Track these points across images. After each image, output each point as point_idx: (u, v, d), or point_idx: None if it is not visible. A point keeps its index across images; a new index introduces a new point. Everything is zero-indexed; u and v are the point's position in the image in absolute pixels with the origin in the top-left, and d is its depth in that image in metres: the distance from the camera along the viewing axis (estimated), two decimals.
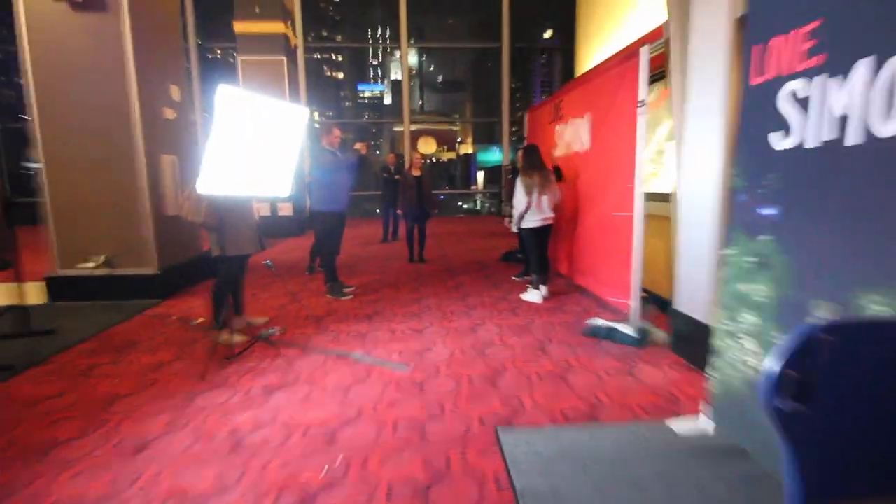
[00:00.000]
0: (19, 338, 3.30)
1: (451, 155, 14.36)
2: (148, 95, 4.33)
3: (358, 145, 4.46)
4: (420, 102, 13.64)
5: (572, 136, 4.54)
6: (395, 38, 11.93)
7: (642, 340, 3.07)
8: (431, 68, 14.09)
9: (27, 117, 4.23)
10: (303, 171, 6.16)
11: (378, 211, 9.70)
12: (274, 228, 8.45)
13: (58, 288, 4.23)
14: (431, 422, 2.16)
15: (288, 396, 2.43)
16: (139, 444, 2.00)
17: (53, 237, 4.26)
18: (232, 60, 12.00)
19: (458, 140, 14.22)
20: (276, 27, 8.57)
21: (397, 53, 13.29)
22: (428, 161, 6.97)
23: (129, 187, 4.25)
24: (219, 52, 12.14)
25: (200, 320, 3.71)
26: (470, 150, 14.12)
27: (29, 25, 4.09)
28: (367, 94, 15.78)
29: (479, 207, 14.04)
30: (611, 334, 3.15)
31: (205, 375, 2.68)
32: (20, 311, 3.43)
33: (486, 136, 13.82)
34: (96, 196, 4.23)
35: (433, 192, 6.46)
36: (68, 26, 4.09)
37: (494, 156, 13.62)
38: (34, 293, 4.09)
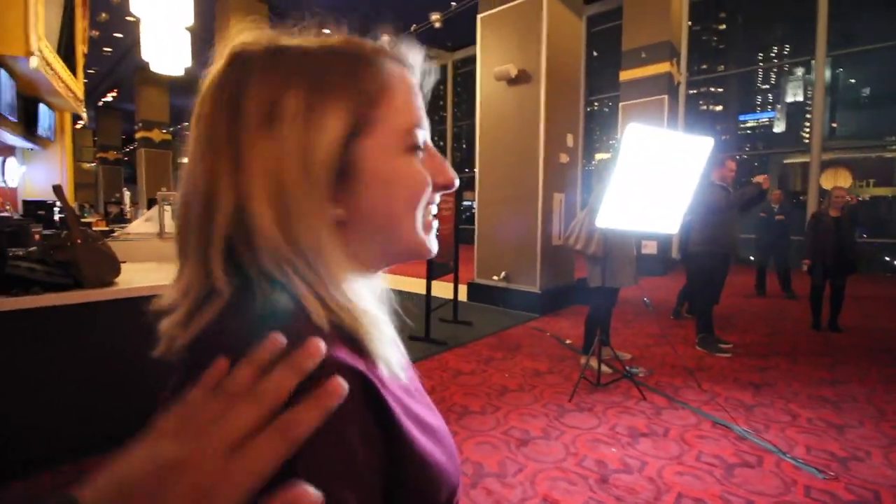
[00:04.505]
0: (451, 323, 4.55)
1: (883, 191, 10.08)
2: (550, 144, 5.13)
3: (759, 178, 3.82)
4: (832, 125, 10.25)
5: None
6: (799, 52, 9.69)
7: None
8: (852, 81, 10.47)
9: (470, 170, 5.82)
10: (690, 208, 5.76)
11: (752, 258, 7.97)
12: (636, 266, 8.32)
13: (474, 291, 5.60)
14: None
15: (656, 448, 2.27)
16: (523, 439, 2.34)
17: (476, 254, 5.69)
18: (607, 110, 12.77)
19: None
20: (662, 68, 8.44)
21: (798, 71, 10.64)
22: (853, 200, 4.92)
23: (527, 220, 5.16)
24: (595, 104, 13.10)
25: (569, 341, 4.04)
26: None
27: (481, 101, 5.64)
28: (749, 125, 13.13)
29: None
30: None
31: (572, 396, 2.88)
32: (453, 305, 4.73)
33: None
34: (505, 225, 5.36)
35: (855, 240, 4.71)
36: (504, 98, 5.38)
37: None
38: (461, 293, 5.56)
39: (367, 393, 0.32)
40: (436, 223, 0.45)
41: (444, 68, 14.63)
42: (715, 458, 2.19)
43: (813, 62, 9.13)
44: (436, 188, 0.42)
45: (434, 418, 0.40)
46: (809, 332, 4.55)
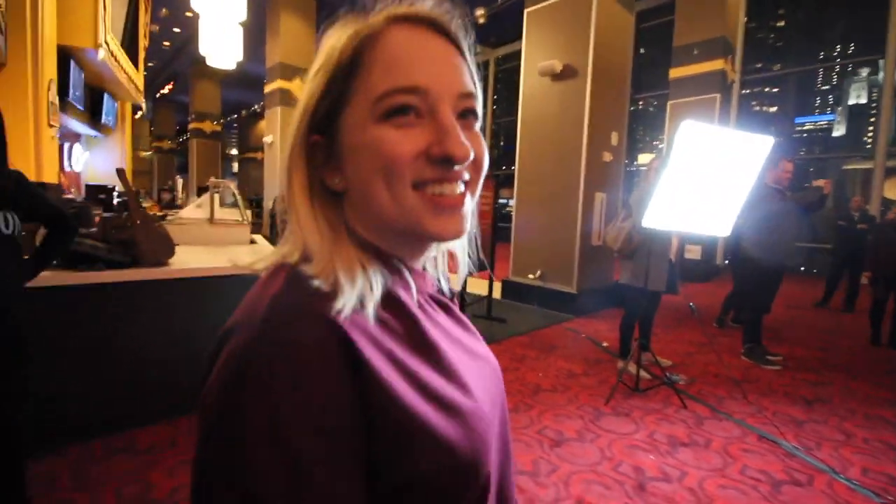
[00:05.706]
0: (484, 319, 4.53)
1: None
2: (594, 142, 5.00)
3: (820, 182, 3.61)
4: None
5: None
6: (865, 51, 9.08)
7: None
8: None
9: (508, 167, 5.74)
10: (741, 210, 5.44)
11: (816, 269, 7.39)
12: (678, 272, 8.01)
13: (509, 289, 5.56)
14: None
15: (697, 458, 2.18)
16: (557, 439, 2.30)
17: (512, 251, 5.63)
18: (652, 109, 12.23)
19: None
20: (715, 65, 8.07)
21: (862, 71, 9.86)
22: None
23: (567, 218, 5.06)
24: (640, 103, 12.55)
25: (606, 344, 3.94)
26: None
27: (524, 96, 5.56)
28: (806, 127, 12.26)
29: None
30: None
31: (609, 400, 2.80)
32: (487, 301, 4.71)
33: None
34: (543, 223, 5.28)
35: None
36: (547, 93, 5.28)
37: None
38: (496, 290, 5.53)
39: (342, 348, 0.32)
40: (467, 203, 0.40)
41: (486, 64, 14.54)
42: (761, 473, 2.08)
43: (881, 61, 8.48)
44: (431, 158, 0.37)
45: (464, 398, 0.38)
46: (868, 347, 4.27)
